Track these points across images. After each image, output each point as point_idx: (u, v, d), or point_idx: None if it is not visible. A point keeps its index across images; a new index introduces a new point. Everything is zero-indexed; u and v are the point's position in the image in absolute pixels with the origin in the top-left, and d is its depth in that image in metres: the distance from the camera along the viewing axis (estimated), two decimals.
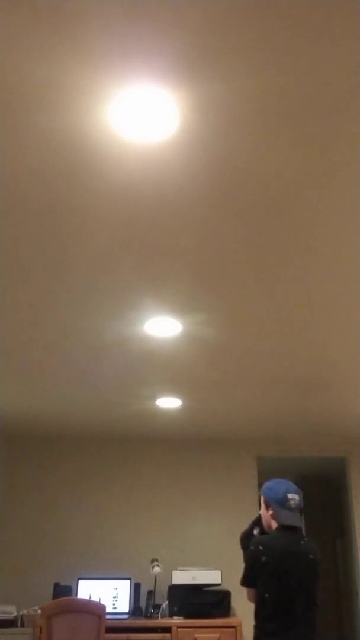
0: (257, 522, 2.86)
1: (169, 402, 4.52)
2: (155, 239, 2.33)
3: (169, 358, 3.62)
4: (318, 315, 3.01)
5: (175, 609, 4.75)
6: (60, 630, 3.72)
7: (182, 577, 4.81)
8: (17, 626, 4.58)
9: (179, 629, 4.51)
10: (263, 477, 5.85)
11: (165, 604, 4.88)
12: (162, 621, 4.66)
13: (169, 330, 3.20)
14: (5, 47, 1.50)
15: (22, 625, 4.58)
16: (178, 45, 1.49)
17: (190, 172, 1.94)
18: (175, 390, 4.24)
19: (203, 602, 4.74)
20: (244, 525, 3.07)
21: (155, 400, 4.49)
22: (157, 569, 4.91)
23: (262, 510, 2.76)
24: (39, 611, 4.13)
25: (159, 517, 5.48)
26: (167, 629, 4.54)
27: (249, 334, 3.24)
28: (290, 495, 2.65)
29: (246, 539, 2.82)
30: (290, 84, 1.61)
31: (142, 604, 5.02)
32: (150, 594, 4.97)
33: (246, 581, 2.60)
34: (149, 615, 4.85)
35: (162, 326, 3.14)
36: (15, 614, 4.67)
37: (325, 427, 5.27)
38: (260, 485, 5.64)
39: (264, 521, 2.75)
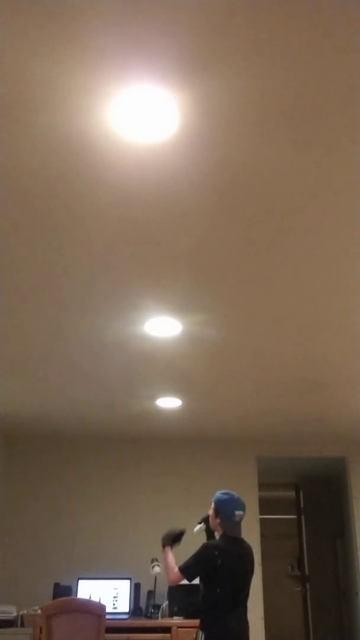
0: (206, 520, 3.34)
1: (169, 402, 4.51)
2: (155, 239, 2.33)
3: (169, 358, 3.61)
4: (318, 315, 3.01)
5: (175, 609, 4.75)
6: (60, 630, 3.72)
7: None
8: (17, 626, 4.57)
9: (179, 629, 4.51)
10: (263, 477, 5.86)
11: (165, 604, 4.88)
12: (162, 621, 4.66)
13: (169, 330, 3.19)
14: (5, 47, 1.50)
15: (22, 625, 4.57)
16: (178, 45, 1.49)
17: (190, 172, 1.94)
18: (175, 390, 4.24)
19: None
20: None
21: (155, 400, 4.49)
22: (157, 569, 4.90)
23: (212, 514, 3.24)
24: (39, 611, 4.13)
25: (159, 517, 5.46)
26: (167, 629, 4.54)
27: (249, 334, 3.23)
28: (236, 512, 3.17)
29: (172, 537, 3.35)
30: (291, 84, 1.61)
31: (142, 604, 5.02)
32: (150, 594, 4.97)
33: (189, 573, 3.04)
34: (149, 615, 4.85)
35: (162, 326, 3.14)
36: (15, 614, 4.66)
37: (325, 427, 5.27)
38: (260, 485, 5.66)
39: (211, 522, 3.25)
